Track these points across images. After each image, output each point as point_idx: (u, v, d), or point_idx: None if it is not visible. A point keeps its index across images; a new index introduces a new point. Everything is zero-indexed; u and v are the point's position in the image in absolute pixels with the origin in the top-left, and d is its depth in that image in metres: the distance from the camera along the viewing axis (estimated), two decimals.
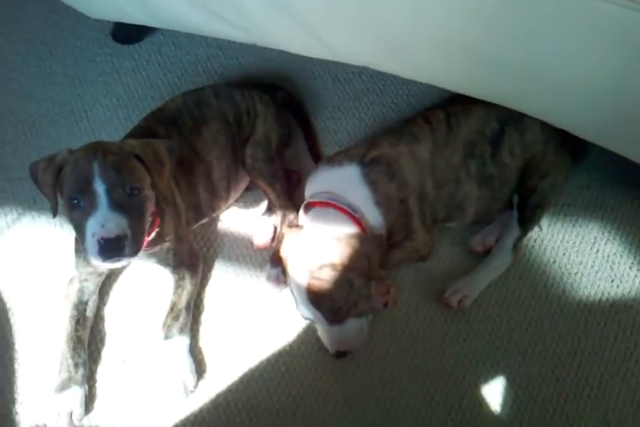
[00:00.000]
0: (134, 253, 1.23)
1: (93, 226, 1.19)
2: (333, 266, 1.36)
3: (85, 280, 1.46)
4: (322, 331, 1.41)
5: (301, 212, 1.50)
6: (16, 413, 1.44)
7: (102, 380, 1.47)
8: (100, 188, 1.21)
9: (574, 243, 1.60)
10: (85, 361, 1.43)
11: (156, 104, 1.67)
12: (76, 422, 1.37)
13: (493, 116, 1.54)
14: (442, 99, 1.73)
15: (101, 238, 1.18)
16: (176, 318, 1.44)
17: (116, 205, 1.21)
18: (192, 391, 1.42)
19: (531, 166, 1.55)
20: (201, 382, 1.45)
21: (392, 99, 1.82)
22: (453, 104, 1.58)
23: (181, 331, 1.43)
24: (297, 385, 1.45)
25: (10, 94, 1.86)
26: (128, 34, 1.92)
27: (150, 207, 1.31)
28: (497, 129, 1.53)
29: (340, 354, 1.40)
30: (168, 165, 1.35)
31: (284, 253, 1.44)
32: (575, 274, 1.57)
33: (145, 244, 1.31)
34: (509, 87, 1.34)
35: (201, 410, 1.43)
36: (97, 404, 1.44)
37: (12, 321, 1.55)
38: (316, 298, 1.37)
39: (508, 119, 1.53)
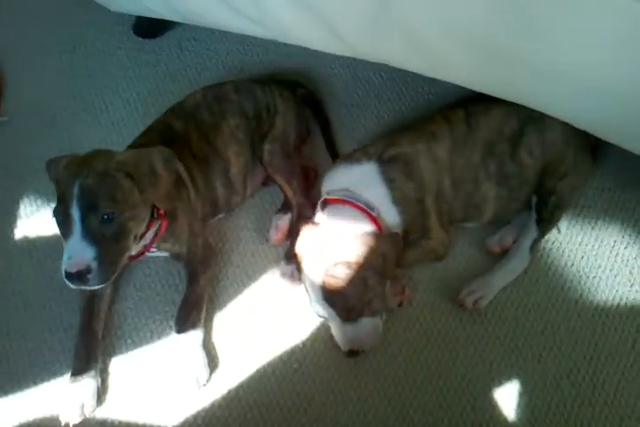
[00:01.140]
0: (100, 282, 1.22)
1: (64, 253, 1.20)
2: (348, 264, 1.35)
3: None
4: (335, 329, 1.40)
5: (318, 208, 1.49)
6: (33, 401, 1.46)
7: (116, 372, 1.47)
8: (75, 214, 1.20)
9: (593, 246, 1.58)
10: (98, 353, 1.44)
11: (175, 98, 1.68)
12: (87, 413, 1.39)
13: (514, 116, 1.52)
14: (462, 98, 1.71)
15: (64, 270, 1.19)
16: (189, 311, 1.44)
17: (88, 234, 1.20)
18: (204, 385, 1.43)
19: (550, 167, 1.53)
20: (213, 378, 1.45)
21: (412, 97, 1.81)
22: (474, 103, 1.57)
23: (195, 325, 1.44)
24: (309, 383, 1.45)
25: (32, 88, 1.87)
26: (149, 28, 1.92)
27: (135, 227, 1.28)
28: (516, 129, 1.51)
29: (353, 353, 1.39)
30: (165, 176, 1.31)
31: (299, 249, 1.44)
32: (593, 278, 1.54)
33: (153, 242, 1.36)
34: (529, 86, 1.32)
35: (212, 405, 1.44)
36: (110, 396, 1.45)
37: (29, 311, 1.57)
38: (330, 295, 1.36)
39: (527, 119, 1.51)
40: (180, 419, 1.43)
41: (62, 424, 1.38)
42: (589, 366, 1.45)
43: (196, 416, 1.43)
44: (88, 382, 1.39)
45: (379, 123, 1.78)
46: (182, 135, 1.51)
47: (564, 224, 1.59)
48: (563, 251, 1.58)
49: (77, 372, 1.40)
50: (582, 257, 1.57)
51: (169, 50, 1.93)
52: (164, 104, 1.77)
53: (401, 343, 1.49)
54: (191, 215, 1.46)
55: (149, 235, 1.37)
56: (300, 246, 1.44)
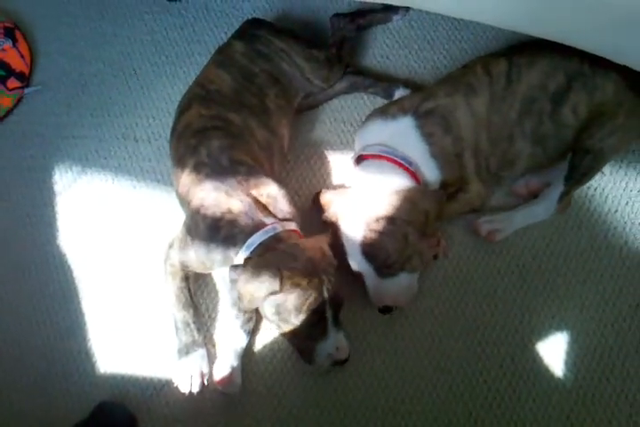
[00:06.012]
0: None
1: (326, 344, 1.28)
2: (391, 219, 1.32)
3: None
4: (371, 285, 1.38)
5: (352, 165, 1.46)
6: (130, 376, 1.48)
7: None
8: (330, 315, 1.27)
9: (639, 191, 1.50)
10: (201, 325, 1.45)
11: (202, 60, 1.66)
12: (205, 381, 1.40)
13: (561, 69, 1.42)
14: (500, 45, 1.63)
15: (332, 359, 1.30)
16: None
17: (339, 324, 1.30)
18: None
19: (594, 126, 1.41)
20: None
21: (443, 45, 1.74)
22: (519, 53, 1.46)
23: None
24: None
25: (62, 55, 1.88)
26: None
27: None
28: (563, 84, 1.41)
29: (387, 309, 1.38)
30: None
31: (333, 212, 1.39)
32: (638, 224, 1.48)
33: None
34: (577, 21, 1.19)
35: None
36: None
37: (76, 283, 1.59)
38: (370, 250, 1.34)
39: (577, 75, 1.41)
40: None
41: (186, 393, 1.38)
42: (635, 314, 1.40)
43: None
44: (201, 352, 1.40)
45: (410, 74, 1.72)
46: (244, 129, 1.46)
47: (607, 169, 1.52)
48: (606, 196, 1.51)
49: (188, 344, 1.40)
50: (627, 203, 1.50)
51: (195, 11, 1.90)
52: (191, 66, 1.79)
53: (437, 296, 1.47)
54: None
55: None
56: (335, 208, 1.40)
